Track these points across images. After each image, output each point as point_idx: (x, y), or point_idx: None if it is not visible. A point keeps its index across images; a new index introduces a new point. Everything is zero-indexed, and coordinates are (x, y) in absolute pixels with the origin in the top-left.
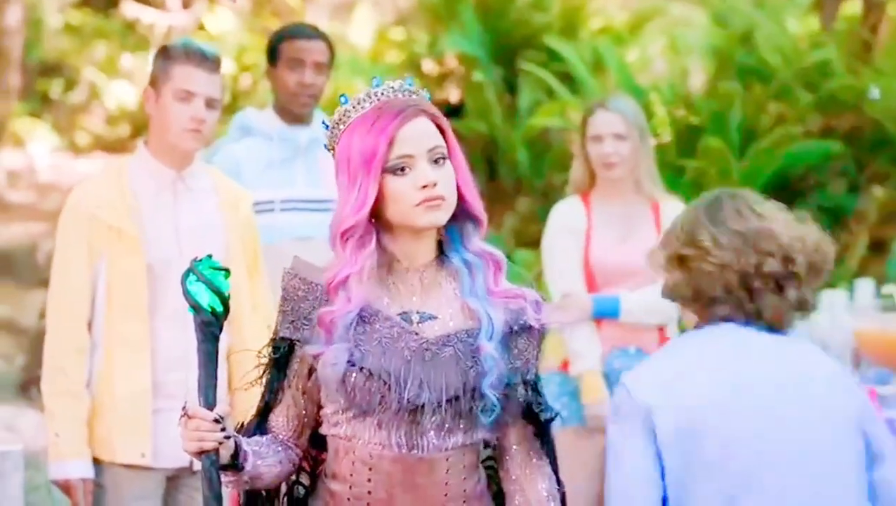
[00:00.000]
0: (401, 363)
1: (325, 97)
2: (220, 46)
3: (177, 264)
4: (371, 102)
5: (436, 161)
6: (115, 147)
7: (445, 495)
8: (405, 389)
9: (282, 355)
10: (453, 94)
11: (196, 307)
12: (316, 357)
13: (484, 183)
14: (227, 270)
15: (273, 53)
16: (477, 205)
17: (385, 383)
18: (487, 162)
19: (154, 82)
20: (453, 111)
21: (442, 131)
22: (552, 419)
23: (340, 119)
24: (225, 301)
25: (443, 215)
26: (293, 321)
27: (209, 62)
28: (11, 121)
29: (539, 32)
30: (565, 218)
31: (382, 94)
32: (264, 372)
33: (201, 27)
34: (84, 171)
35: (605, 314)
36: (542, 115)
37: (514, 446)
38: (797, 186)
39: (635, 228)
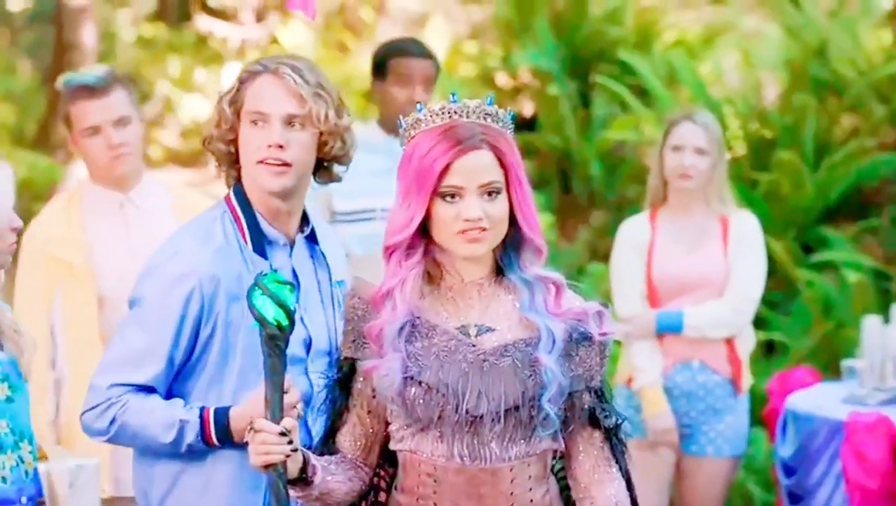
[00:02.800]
0: (458, 375)
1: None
2: None
3: None
4: (443, 118)
5: (488, 194)
6: (188, 161)
7: (511, 505)
8: (463, 400)
9: (344, 376)
10: (527, 108)
11: (262, 321)
12: (370, 372)
13: (558, 196)
14: (292, 284)
15: (381, 68)
16: (535, 236)
17: (443, 396)
18: (561, 175)
19: (67, 124)
20: (527, 125)
21: (505, 164)
22: (619, 425)
23: (411, 125)
24: (290, 315)
25: (482, 247)
26: (354, 341)
27: (97, 89)
28: None
29: (613, 46)
30: (630, 234)
31: (456, 112)
32: (328, 393)
33: (275, 41)
34: (160, 178)
35: (668, 329)
36: (616, 129)
37: (581, 454)
38: (871, 199)
39: (701, 242)
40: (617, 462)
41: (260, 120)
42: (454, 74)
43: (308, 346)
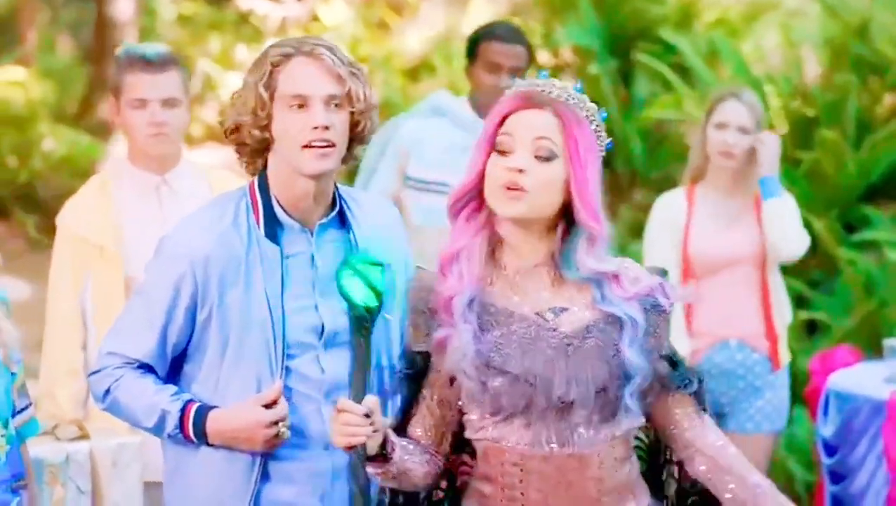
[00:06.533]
0: (544, 362)
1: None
2: (334, 38)
3: None
4: (527, 87)
5: (540, 156)
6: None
7: (599, 489)
8: (553, 388)
9: (417, 370)
10: None
11: (349, 302)
12: (443, 342)
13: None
14: (383, 265)
15: (472, 51)
16: (588, 215)
17: (531, 385)
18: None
19: (115, 94)
20: None
21: (567, 133)
22: (694, 387)
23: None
24: (379, 296)
25: (519, 207)
26: (427, 334)
27: (154, 64)
28: None
29: (654, 24)
30: (665, 212)
31: (540, 86)
32: (400, 385)
33: (315, 18)
34: (197, 161)
35: (768, 195)
36: (658, 107)
37: (676, 414)
38: None
39: (737, 220)
40: (705, 411)
41: (301, 103)
42: None
43: (320, 333)
